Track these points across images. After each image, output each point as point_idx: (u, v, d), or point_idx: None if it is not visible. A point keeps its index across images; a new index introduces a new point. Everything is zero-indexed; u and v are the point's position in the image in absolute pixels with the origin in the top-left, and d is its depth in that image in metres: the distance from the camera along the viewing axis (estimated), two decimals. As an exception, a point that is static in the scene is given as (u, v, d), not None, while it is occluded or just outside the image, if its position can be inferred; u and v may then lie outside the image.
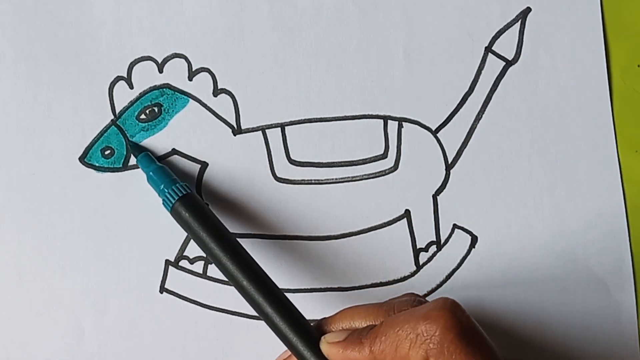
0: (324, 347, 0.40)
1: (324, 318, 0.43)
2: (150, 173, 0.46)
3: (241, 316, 0.47)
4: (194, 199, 0.45)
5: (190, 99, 0.48)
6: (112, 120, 0.47)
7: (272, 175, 0.48)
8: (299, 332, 0.41)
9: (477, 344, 0.37)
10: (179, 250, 0.47)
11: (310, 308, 0.48)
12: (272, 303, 0.42)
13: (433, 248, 0.49)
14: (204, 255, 0.47)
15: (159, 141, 0.47)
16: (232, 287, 0.47)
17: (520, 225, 0.49)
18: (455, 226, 0.49)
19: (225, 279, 0.47)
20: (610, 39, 0.49)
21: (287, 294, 0.47)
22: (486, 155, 0.49)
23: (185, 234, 0.47)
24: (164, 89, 0.48)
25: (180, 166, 0.47)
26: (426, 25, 0.49)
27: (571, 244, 0.49)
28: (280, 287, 0.47)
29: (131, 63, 0.47)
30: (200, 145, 0.48)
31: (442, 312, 0.37)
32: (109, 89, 0.47)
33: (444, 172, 0.49)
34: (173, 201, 0.44)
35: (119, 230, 0.47)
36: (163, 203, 0.45)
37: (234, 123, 0.48)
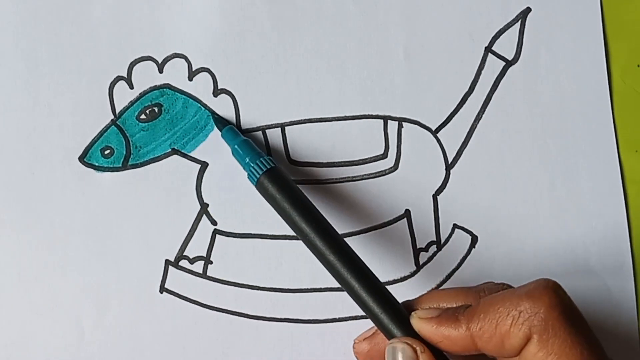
0: (416, 322, 0.40)
1: (408, 300, 0.42)
2: (235, 146, 0.45)
3: (241, 316, 0.47)
4: (280, 172, 0.44)
5: (190, 99, 0.48)
6: (112, 120, 0.47)
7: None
8: (386, 307, 0.40)
9: (579, 324, 0.37)
10: (179, 250, 0.47)
11: (311, 308, 0.48)
12: (359, 278, 0.41)
13: (433, 248, 0.49)
14: (204, 255, 0.47)
15: (158, 141, 0.47)
16: (232, 287, 0.48)
17: (520, 225, 0.49)
18: (455, 226, 0.49)
19: (226, 279, 0.48)
20: (610, 39, 0.49)
21: (287, 293, 0.48)
22: (486, 155, 0.49)
23: (186, 233, 0.47)
24: (164, 89, 0.48)
25: (180, 166, 0.47)
26: (426, 25, 0.49)
27: (571, 244, 0.49)
28: (280, 287, 0.48)
29: (131, 63, 0.47)
30: (200, 145, 0.48)
31: (547, 290, 0.37)
32: (109, 88, 0.47)
33: (444, 172, 0.49)
34: (258, 175, 0.44)
35: (119, 230, 0.47)
36: (248, 176, 0.45)
37: (234, 123, 0.48)
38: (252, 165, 0.44)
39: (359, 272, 0.42)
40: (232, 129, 0.46)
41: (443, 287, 0.49)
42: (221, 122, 0.47)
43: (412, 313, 0.40)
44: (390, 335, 0.40)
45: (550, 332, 0.36)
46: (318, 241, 0.42)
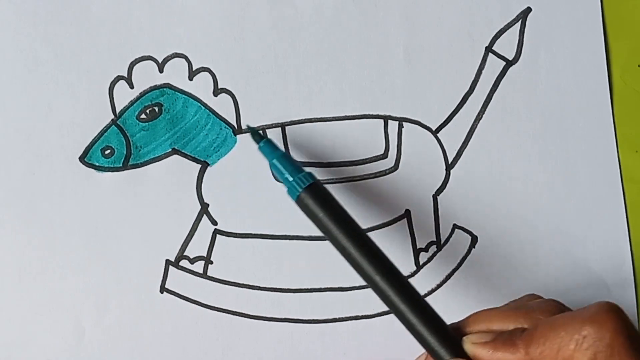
0: (469, 347, 0.39)
1: (454, 323, 0.41)
2: (274, 161, 0.45)
3: (241, 316, 0.48)
4: (320, 188, 0.44)
5: (190, 99, 0.48)
6: (112, 119, 0.47)
7: (272, 175, 0.48)
8: (436, 331, 0.39)
9: None
10: (179, 250, 0.47)
11: (311, 308, 0.48)
12: (406, 299, 0.40)
13: (433, 248, 0.49)
14: (205, 255, 0.47)
15: (159, 141, 0.47)
16: (233, 287, 0.48)
17: (520, 225, 0.49)
18: (455, 226, 0.49)
19: (226, 279, 0.47)
20: (610, 39, 0.49)
21: (287, 293, 0.48)
22: (486, 155, 0.49)
23: (186, 233, 0.47)
24: (164, 89, 0.48)
25: (180, 166, 0.47)
26: (426, 25, 0.49)
27: (571, 244, 0.49)
28: (280, 287, 0.48)
29: (131, 63, 0.47)
30: (200, 145, 0.48)
31: (611, 314, 0.36)
32: (109, 88, 0.47)
33: (444, 172, 0.49)
34: (299, 191, 0.43)
35: (119, 230, 0.47)
36: (288, 192, 0.44)
37: (234, 123, 0.48)
38: (292, 180, 0.44)
39: (407, 293, 0.41)
40: (270, 142, 0.45)
41: (443, 286, 0.49)
42: (257, 135, 0.46)
43: (464, 338, 0.39)
44: (440, 358, 0.39)
45: (616, 358, 0.35)
46: (362, 260, 0.41)
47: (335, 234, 0.42)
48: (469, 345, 0.39)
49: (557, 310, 0.39)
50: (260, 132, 0.47)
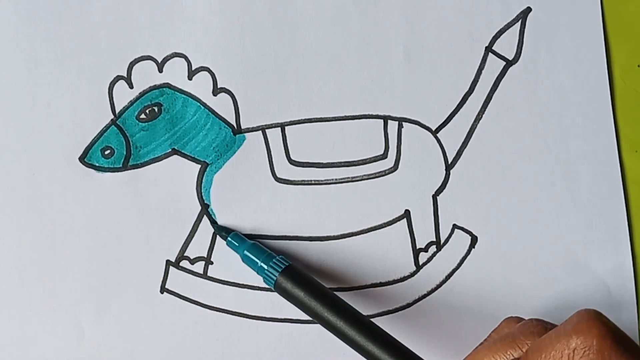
0: None
1: None
2: (245, 252, 0.45)
3: (241, 316, 0.48)
4: (295, 270, 0.44)
5: (190, 99, 0.48)
6: (112, 119, 0.47)
7: (272, 175, 0.48)
8: None
9: (632, 347, 0.37)
10: (180, 250, 0.47)
11: (310, 308, 0.48)
12: None
13: (433, 248, 0.49)
14: (205, 255, 0.47)
15: (158, 141, 0.47)
16: (232, 287, 0.48)
17: (520, 225, 0.49)
18: (455, 226, 0.49)
19: (226, 279, 0.48)
20: (611, 39, 0.49)
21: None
22: (486, 155, 0.49)
23: (187, 233, 0.47)
24: (164, 89, 0.48)
25: (180, 166, 0.47)
26: (426, 25, 0.49)
27: (571, 244, 0.49)
28: (280, 287, 0.47)
29: (131, 62, 0.47)
30: (200, 145, 0.48)
31: (593, 321, 0.37)
32: (109, 88, 0.47)
33: (444, 172, 0.49)
34: (274, 277, 0.44)
35: (119, 230, 0.47)
36: (264, 280, 0.45)
37: (234, 123, 0.48)
38: (266, 268, 0.44)
39: (398, 354, 0.41)
40: (237, 235, 0.46)
41: (443, 286, 0.48)
42: (224, 231, 0.47)
43: None
44: None
45: None
46: (352, 332, 0.42)
47: (320, 311, 0.43)
48: None
49: (541, 329, 0.40)
50: (226, 227, 0.47)
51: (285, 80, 0.48)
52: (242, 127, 0.48)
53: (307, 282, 0.44)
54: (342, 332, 0.42)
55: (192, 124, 0.48)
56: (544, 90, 0.49)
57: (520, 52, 0.49)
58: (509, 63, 0.49)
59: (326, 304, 0.43)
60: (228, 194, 0.48)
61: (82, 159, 0.47)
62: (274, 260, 0.44)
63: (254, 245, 0.46)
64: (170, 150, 0.47)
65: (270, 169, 0.48)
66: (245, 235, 0.47)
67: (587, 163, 0.49)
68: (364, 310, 0.48)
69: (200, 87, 0.48)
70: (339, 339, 0.43)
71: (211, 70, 0.48)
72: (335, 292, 0.44)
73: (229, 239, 0.46)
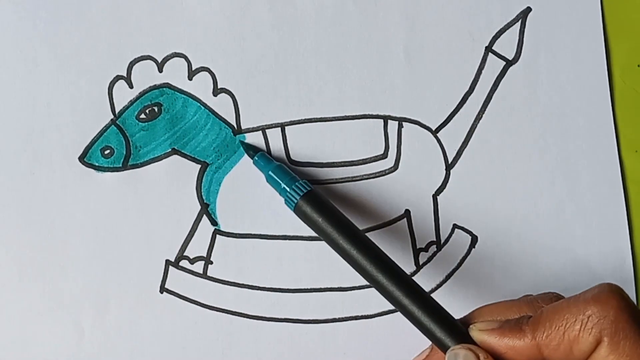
0: (476, 334, 0.39)
1: (459, 318, 0.41)
2: (270, 173, 0.45)
3: (241, 316, 0.48)
4: (317, 195, 0.44)
5: (190, 99, 0.48)
6: (111, 119, 0.47)
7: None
8: (441, 321, 0.40)
9: None
10: (179, 250, 0.47)
11: (311, 308, 0.48)
12: (409, 293, 0.41)
13: (433, 248, 0.49)
14: (204, 255, 0.47)
15: (158, 141, 0.47)
16: (232, 287, 0.48)
17: (520, 225, 0.49)
18: (455, 226, 0.49)
19: (226, 279, 0.48)
20: (611, 39, 0.49)
21: (287, 293, 0.48)
22: (486, 155, 0.49)
23: (186, 234, 0.47)
24: (164, 89, 0.48)
25: (180, 166, 0.47)
26: (426, 25, 0.49)
27: (571, 244, 0.49)
28: (280, 287, 0.48)
29: (131, 62, 0.47)
30: (201, 146, 0.48)
31: (613, 294, 0.37)
32: (109, 88, 0.47)
33: (444, 172, 0.49)
34: (295, 200, 0.44)
35: (119, 230, 0.47)
36: (285, 202, 0.45)
37: (234, 123, 0.48)
38: (288, 190, 0.44)
39: (410, 289, 0.41)
40: (264, 155, 0.46)
41: (443, 286, 0.49)
42: (252, 149, 0.47)
43: (471, 326, 0.40)
44: (447, 348, 0.39)
45: (621, 335, 0.36)
46: (363, 260, 0.42)
47: (335, 238, 0.42)
48: (476, 332, 0.39)
49: (557, 299, 0.40)
50: (254, 145, 0.47)
51: (285, 80, 0.48)
52: (242, 127, 0.48)
53: (327, 208, 0.43)
54: (356, 261, 0.42)
55: (192, 124, 0.48)
56: (544, 90, 0.49)
57: (520, 52, 0.49)
58: (509, 63, 0.49)
59: (343, 232, 0.42)
60: (228, 193, 0.48)
61: (81, 158, 0.47)
62: (297, 183, 0.44)
63: (279, 167, 0.46)
64: (170, 150, 0.47)
65: (270, 168, 0.48)
66: (246, 234, 0.48)
67: (587, 163, 0.49)
68: (364, 310, 0.48)
69: (200, 87, 0.48)
70: (353, 268, 0.42)
71: (211, 71, 0.48)
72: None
73: (255, 158, 0.46)
